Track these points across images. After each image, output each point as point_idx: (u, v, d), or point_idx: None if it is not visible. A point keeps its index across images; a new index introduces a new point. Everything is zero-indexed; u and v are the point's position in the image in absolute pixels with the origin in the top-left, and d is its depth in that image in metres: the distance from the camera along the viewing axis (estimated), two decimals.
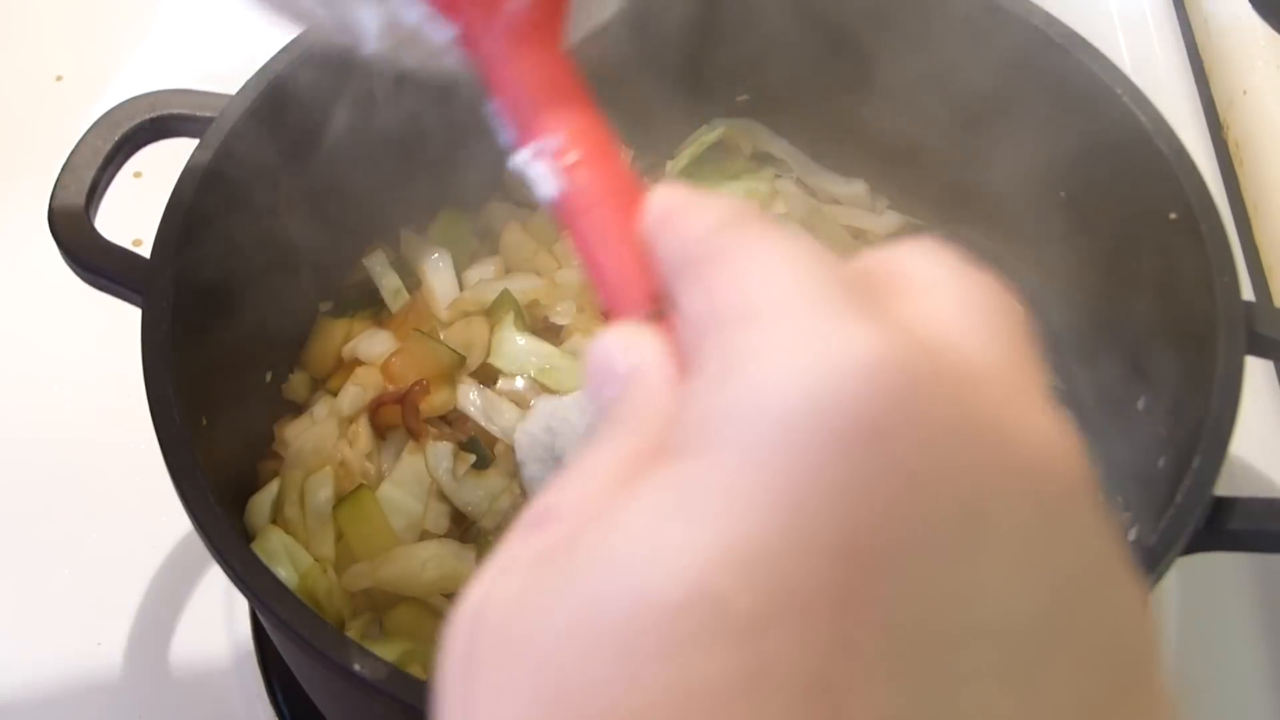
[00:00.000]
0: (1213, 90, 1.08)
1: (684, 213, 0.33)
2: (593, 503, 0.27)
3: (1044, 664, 0.24)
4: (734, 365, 0.27)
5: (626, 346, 0.32)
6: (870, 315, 0.26)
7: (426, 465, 0.76)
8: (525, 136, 0.38)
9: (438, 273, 0.87)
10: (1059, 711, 0.24)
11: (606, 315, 0.36)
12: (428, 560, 0.73)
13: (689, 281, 0.31)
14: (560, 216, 0.37)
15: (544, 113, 0.38)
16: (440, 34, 0.41)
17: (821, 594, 0.23)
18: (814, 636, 0.23)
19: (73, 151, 0.69)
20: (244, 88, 0.71)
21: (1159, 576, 0.56)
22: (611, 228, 0.36)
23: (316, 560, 0.73)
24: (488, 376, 0.80)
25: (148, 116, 0.71)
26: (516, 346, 0.80)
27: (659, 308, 0.34)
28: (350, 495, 0.75)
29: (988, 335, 0.28)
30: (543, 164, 0.38)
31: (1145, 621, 0.27)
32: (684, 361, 0.30)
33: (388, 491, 0.75)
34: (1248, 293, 0.87)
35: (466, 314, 0.83)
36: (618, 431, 0.30)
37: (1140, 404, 0.72)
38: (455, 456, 0.76)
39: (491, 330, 0.81)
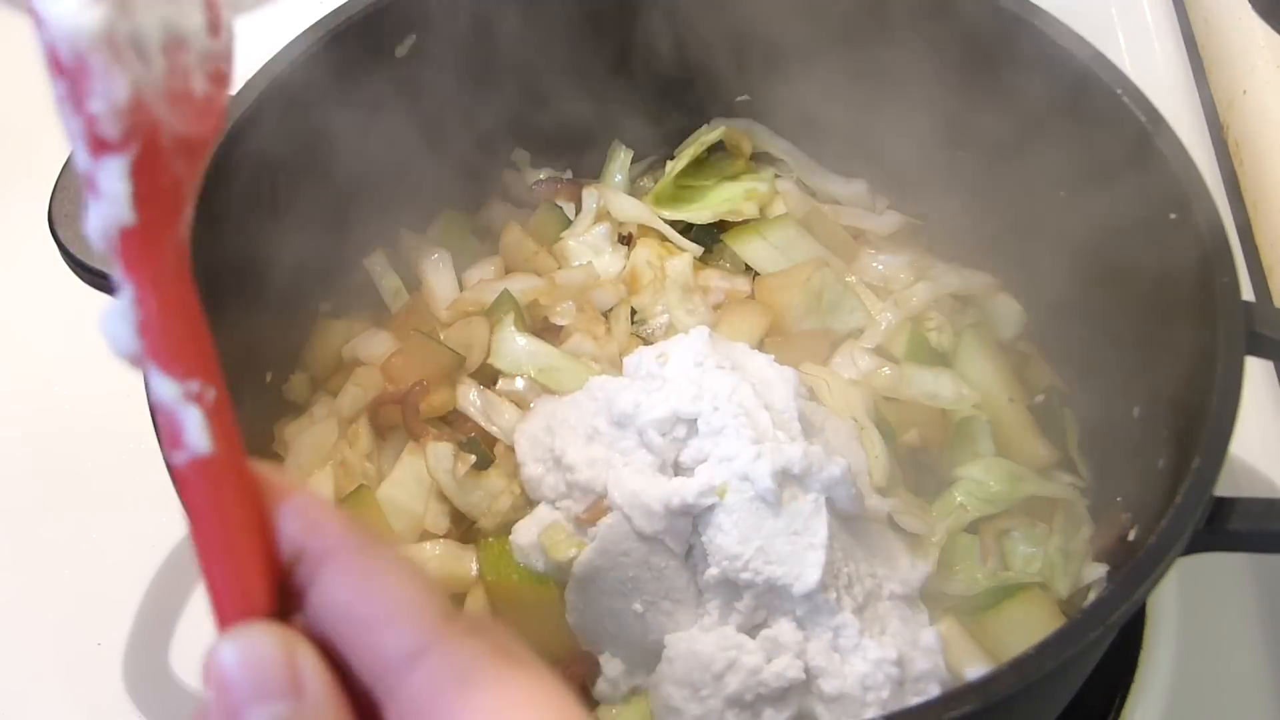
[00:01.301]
0: (1213, 90, 1.08)
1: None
2: None
3: None
4: None
5: (290, 655, 0.34)
6: None
7: (426, 465, 0.76)
8: (177, 370, 0.38)
9: (438, 273, 0.87)
10: None
11: (219, 607, 0.35)
12: (428, 560, 0.73)
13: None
14: (195, 485, 0.36)
15: (194, 351, 0.38)
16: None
17: None
18: None
19: (73, 153, 0.69)
20: (243, 90, 0.71)
21: (1159, 576, 0.56)
22: (244, 510, 0.36)
23: None
24: (488, 377, 0.80)
25: None
26: (516, 347, 0.80)
27: (282, 606, 0.35)
28: (350, 495, 0.75)
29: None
30: (193, 408, 0.37)
31: None
32: None
33: (388, 491, 0.75)
34: (1248, 293, 0.87)
35: (466, 314, 0.83)
36: None
37: (1135, 412, 0.72)
38: (455, 456, 0.76)
39: (491, 330, 0.81)
